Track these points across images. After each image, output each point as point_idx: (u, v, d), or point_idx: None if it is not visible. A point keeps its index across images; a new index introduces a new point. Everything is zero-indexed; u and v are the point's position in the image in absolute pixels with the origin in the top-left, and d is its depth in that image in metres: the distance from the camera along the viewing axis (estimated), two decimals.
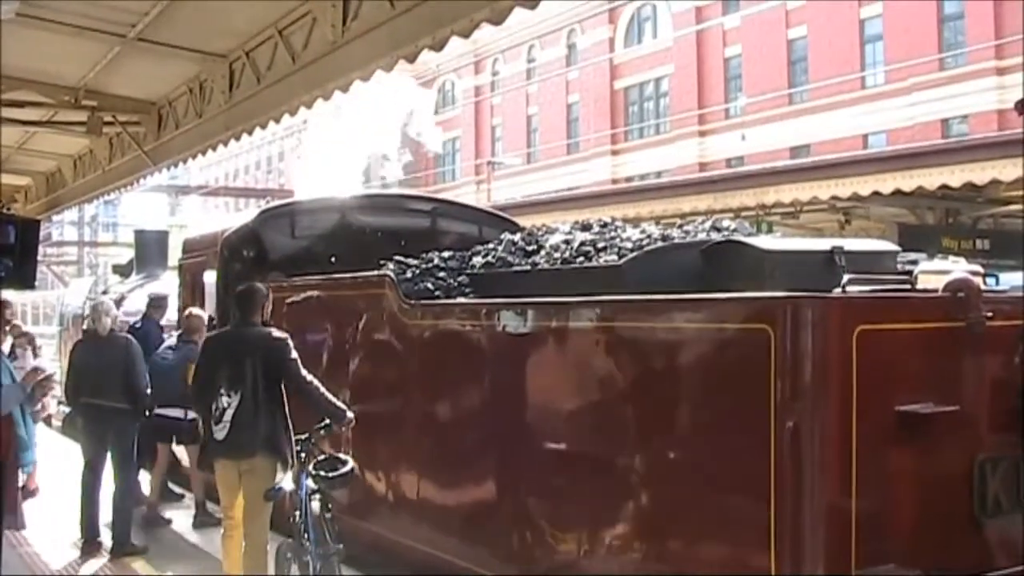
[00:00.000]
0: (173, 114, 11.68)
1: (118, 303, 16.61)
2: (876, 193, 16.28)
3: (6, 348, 11.02)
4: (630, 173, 49.82)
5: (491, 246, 8.64)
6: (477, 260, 8.47)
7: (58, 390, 11.20)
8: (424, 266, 8.70)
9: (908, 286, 6.04)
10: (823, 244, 6.55)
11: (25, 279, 10.61)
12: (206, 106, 10.60)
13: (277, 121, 9.38)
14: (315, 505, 7.41)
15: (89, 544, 9.71)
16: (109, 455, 9.82)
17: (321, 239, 11.33)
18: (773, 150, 40.30)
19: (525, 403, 7.18)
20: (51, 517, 10.54)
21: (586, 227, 8.17)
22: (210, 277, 11.72)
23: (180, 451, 11.50)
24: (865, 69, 40.41)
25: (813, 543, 5.23)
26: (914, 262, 6.82)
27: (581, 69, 51.99)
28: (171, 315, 12.99)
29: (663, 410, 6.08)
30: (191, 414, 10.30)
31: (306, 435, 7.61)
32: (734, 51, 46.01)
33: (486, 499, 7.53)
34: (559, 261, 7.49)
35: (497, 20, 6.18)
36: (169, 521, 10.85)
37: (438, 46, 6.74)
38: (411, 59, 7.13)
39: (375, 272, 8.87)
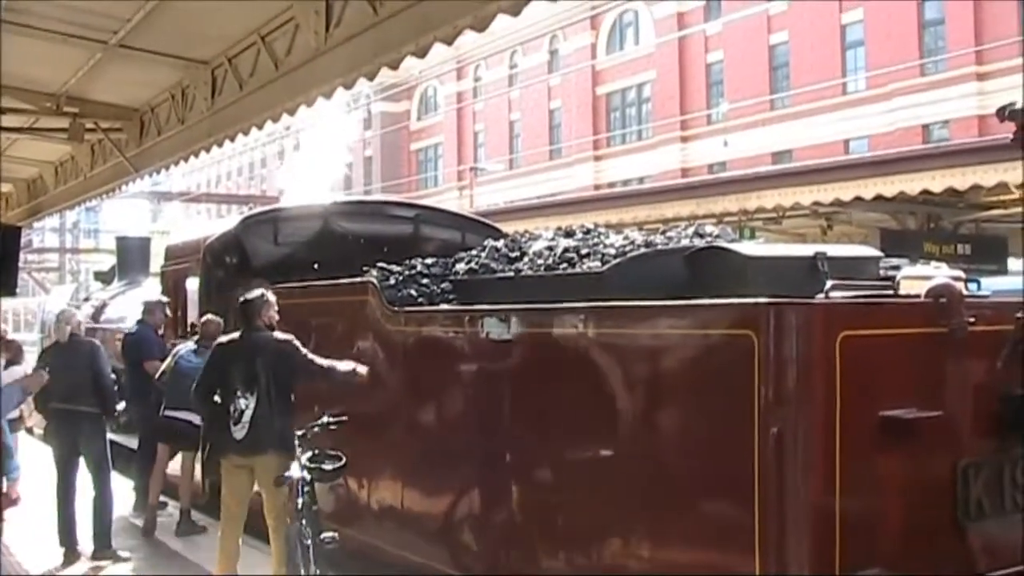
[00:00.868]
0: (155, 121, 11.64)
1: (100, 309, 16.60)
2: (858, 198, 16.35)
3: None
4: (612, 179, 49.86)
5: (474, 252, 8.63)
6: (460, 266, 8.46)
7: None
8: (407, 272, 8.69)
9: (891, 291, 6.07)
10: (806, 250, 6.57)
11: (6, 286, 10.56)
12: (188, 113, 10.57)
13: (260, 127, 9.36)
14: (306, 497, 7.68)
15: (69, 551, 9.65)
16: (83, 460, 9.77)
17: (304, 246, 11.31)
18: (755, 155, 40.38)
19: (509, 410, 7.17)
20: (33, 525, 10.48)
21: (569, 233, 8.17)
22: (193, 284, 11.70)
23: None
24: (846, 75, 40.54)
25: (798, 548, 5.24)
26: (896, 267, 6.83)
27: (563, 75, 52.02)
28: None
29: (647, 416, 6.09)
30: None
31: (303, 431, 7.86)
32: (716, 57, 46.11)
33: (470, 506, 7.52)
34: (542, 268, 7.48)
35: (480, 27, 6.18)
36: (204, 528, 10.73)
37: (421, 53, 6.74)
38: (394, 66, 7.14)
39: (358, 279, 8.86)
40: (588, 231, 8.15)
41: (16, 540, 10.12)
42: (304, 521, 7.58)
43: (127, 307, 16.69)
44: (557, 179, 52.06)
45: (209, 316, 10.89)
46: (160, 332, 12.21)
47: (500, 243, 8.56)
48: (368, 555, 8.42)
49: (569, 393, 6.64)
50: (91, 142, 13.21)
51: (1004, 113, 6.20)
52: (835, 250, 6.69)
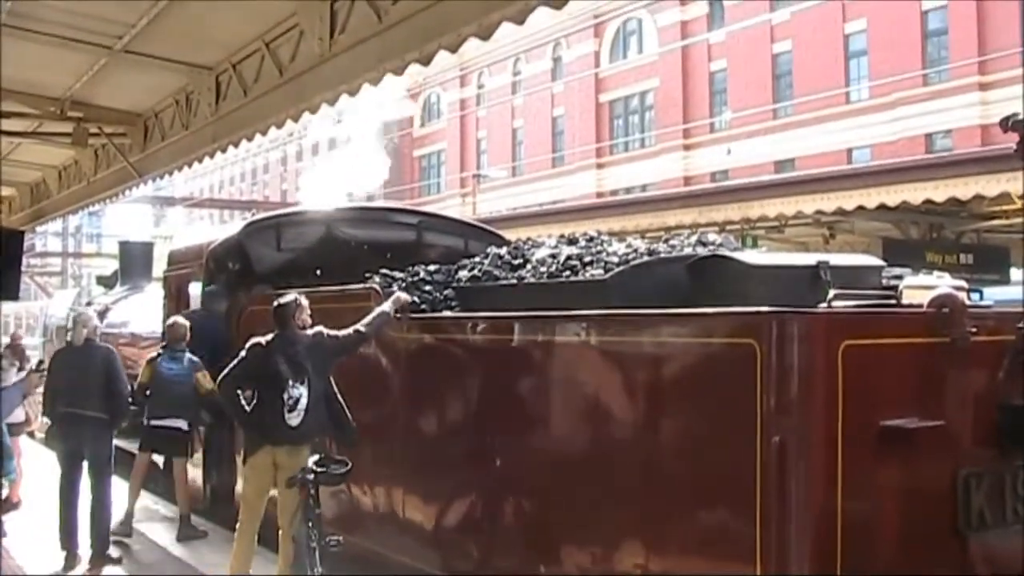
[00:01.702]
0: (159, 126, 11.66)
1: (102, 315, 16.59)
2: (861, 208, 16.33)
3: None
4: (615, 186, 49.85)
5: (477, 259, 8.63)
6: (463, 273, 8.46)
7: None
8: (410, 279, 8.69)
9: (893, 301, 6.07)
10: (808, 259, 6.55)
11: (9, 290, 10.59)
12: (192, 118, 10.59)
13: (264, 133, 9.38)
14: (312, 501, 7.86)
15: (70, 555, 9.65)
16: (86, 464, 9.77)
17: (307, 251, 11.31)
18: (758, 164, 40.37)
19: (511, 417, 7.17)
20: (32, 528, 10.49)
21: (572, 241, 8.18)
22: (195, 289, 11.70)
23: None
24: (849, 84, 40.56)
25: (799, 556, 5.23)
26: (899, 277, 6.83)
27: (566, 83, 52.06)
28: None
29: (649, 424, 6.09)
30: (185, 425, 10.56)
31: (301, 475, 7.93)
32: (719, 65, 46.11)
33: (473, 512, 7.52)
34: (545, 275, 7.48)
35: (485, 35, 6.19)
36: (205, 533, 10.74)
37: (425, 60, 6.76)
38: (398, 73, 7.15)
39: (361, 285, 8.86)
40: (591, 239, 8.15)
41: (16, 543, 10.12)
42: (311, 523, 7.70)
43: (130, 312, 16.71)
44: (560, 186, 52.05)
45: (176, 319, 10.92)
46: None
47: (503, 250, 8.56)
48: (372, 561, 8.42)
49: (571, 401, 6.65)
50: (95, 147, 13.23)
51: (1007, 123, 6.19)
52: (837, 259, 6.67)
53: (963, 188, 15.05)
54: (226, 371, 8.21)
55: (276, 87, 8.79)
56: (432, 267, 8.92)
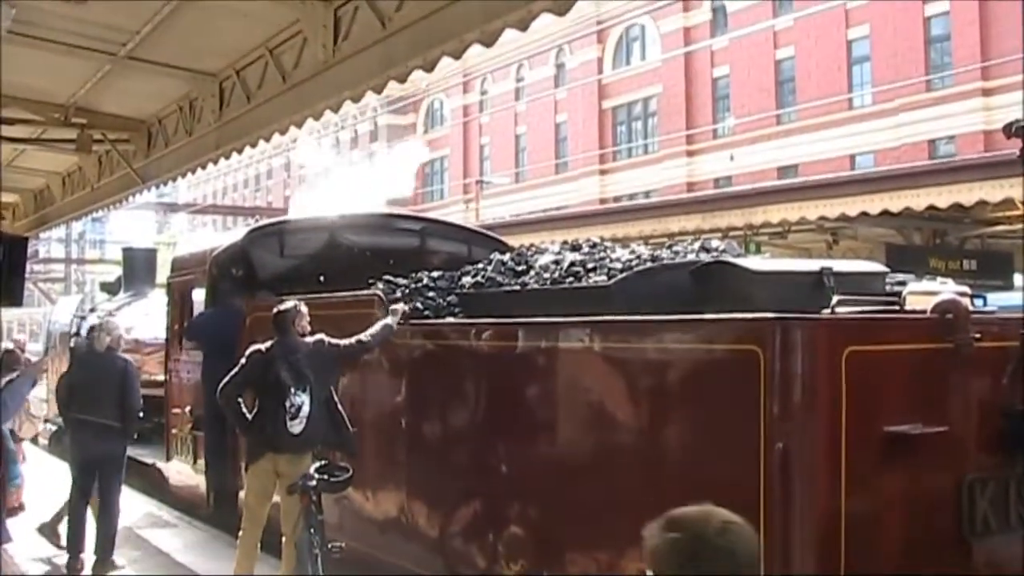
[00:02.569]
0: (163, 132, 11.67)
1: None
2: (864, 213, 16.33)
3: None
4: (618, 193, 49.84)
5: (480, 266, 8.64)
6: (467, 280, 8.47)
7: (41, 408, 11.15)
8: (413, 285, 8.70)
9: (897, 307, 6.07)
10: (812, 265, 6.56)
11: (12, 296, 10.57)
12: (196, 124, 10.59)
13: (267, 140, 9.38)
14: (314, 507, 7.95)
15: (73, 560, 9.66)
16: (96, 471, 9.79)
17: (310, 258, 11.33)
18: (761, 170, 40.39)
19: (515, 423, 7.18)
20: (35, 533, 10.50)
21: (575, 247, 8.18)
22: (199, 295, 11.71)
23: (167, 468, 11.44)
24: (852, 90, 40.56)
25: (803, 562, 5.23)
26: (902, 283, 6.83)
27: (569, 89, 52.06)
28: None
29: (653, 430, 6.09)
30: None
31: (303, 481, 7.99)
32: (722, 71, 46.12)
33: (476, 519, 7.52)
34: (549, 281, 7.49)
35: (488, 42, 6.19)
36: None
37: (429, 66, 6.76)
38: (402, 79, 7.15)
39: (364, 291, 8.87)
40: (594, 245, 8.16)
41: (19, 548, 10.12)
42: (312, 530, 7.75)
43: (133, 318, 16.72)
44: (563, 192, 52.06)
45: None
46: None
47: (506, 257, 8.57)
48: (375, 568, 8.42)
49: (575, 407, 6.65)
50: (98, 153, 13.24)
51: (1010, 129, 6.23)
52: (841, 265, 6.68)
53: (966, 194, 15.04)
54: (227, 378, 8.23)
55: (279, 94, 8.79)
56: (435, 273, 8.92)
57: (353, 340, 8.12)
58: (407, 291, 8.61)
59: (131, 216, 52.93)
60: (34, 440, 14.52)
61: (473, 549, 7.46)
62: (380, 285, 8.82)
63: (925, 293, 6.27)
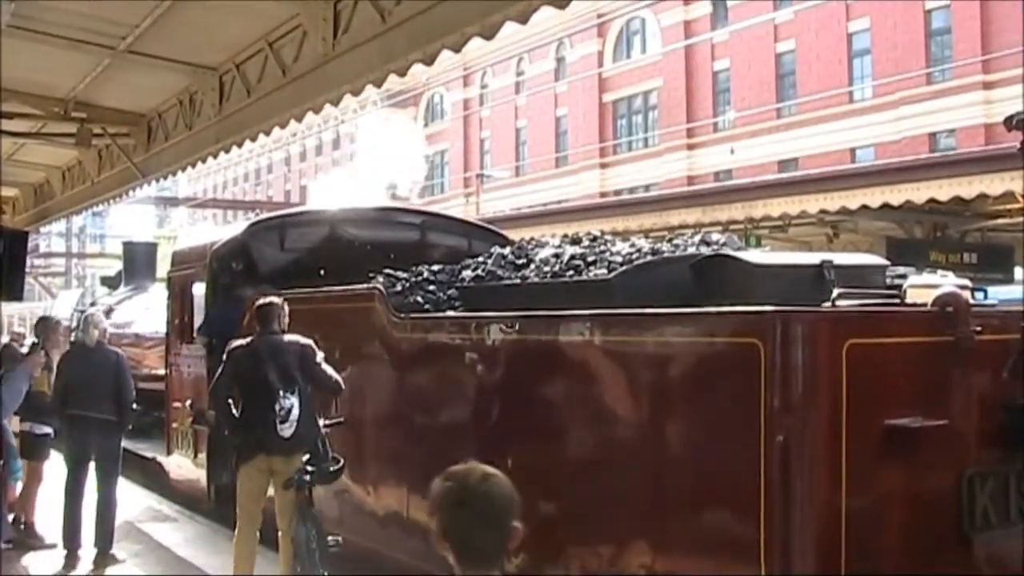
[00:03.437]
0: (163, 126, 11.66)
1: (106, 315, 16.59)
2: (864, 207, 16.30)
3: None
4: (619, 186, 49.85)
5: (481, 259, 8.63)
6: (467, 273, 8.46)
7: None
8: (414, 279, 8.69)
9: (897, 300, 6.06)
10: (812, 258, 6.56)
11: (13, 290, 10.58)
12: (196, 118, 10.59)
13: (267, 134, 9.38)
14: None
15: (71, 554, 9.66)
16: (93, 465, 9.78)
17: (310, 252, 11.32)
18: (761, 163, 40.38)
19: (514, 417, 7.17)
20: (37, 527, 10.51)
21: (576, 241, 8.18)
22: (199, 289, 11.71)
23: (168, 462, 11.42)
24: (853, 83, 40.54)
25: (803, 555, 5.23)
26: (903, 276, 6.83)
27: (570, 82, 52.05)
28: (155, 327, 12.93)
29: (653, 423, 6.08)
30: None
31: None
32: (722, 65, 46.10)
33: None
34: (549, 275, 7.48)
35: (488, 35, 6.19)
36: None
37: (429, 60, 6.75)
38: (402, 73, 7.15)
39: (365, 285, 8.86)
40: (594, 238, 8.15)
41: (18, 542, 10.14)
42: (308, 524, 7.78)
43: (133, 312, 16.73)
44: (563, 186, 52.07)
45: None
46: None
47: (506, 250, 8.56)
48: (372, 561, 8.42)
49: (575, 400, 6.64)
50: (98, 147, 13.24)
51: (1011, 122, 6.19)
52: (841, 258, 6.68)
53: (967, 187, 15.02)
54: (215, 380, 8.25)
55: (279, 87, 8.79)
56: (436, 267, 8.93)
57: (330, 372, 8.15)
58: (407, 285, 8.61)
59: (131, 210, 52.94)
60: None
61: None
62: (380, 279, 8.82)
63: (926, 286, 6.27)
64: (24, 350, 10.96)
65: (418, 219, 12.22)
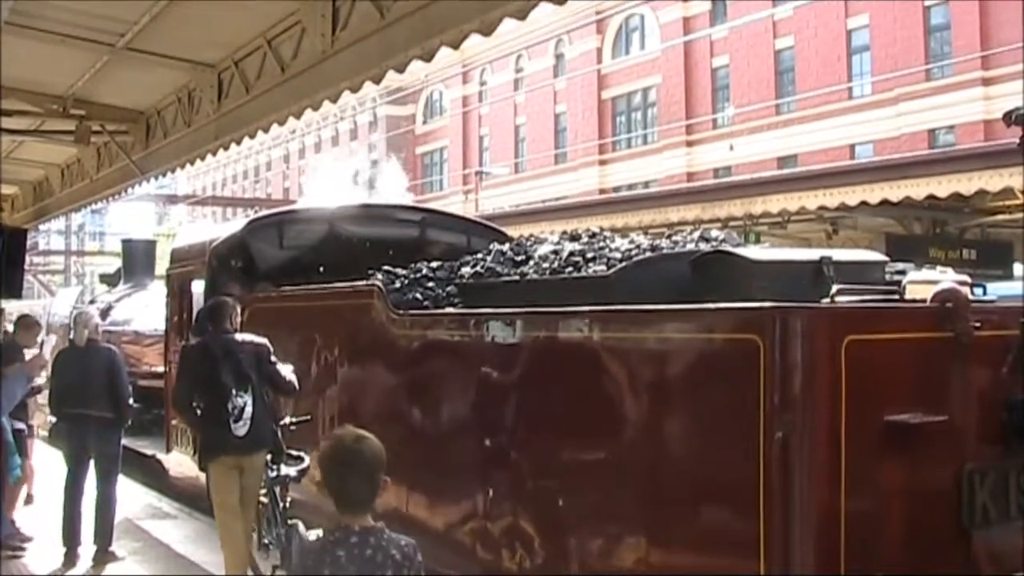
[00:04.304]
0: (161, 124, 11.66)
1: (105, 313, 16.60)
2: (864, 203, 16.33)
3: None
4: (618, 183, 49.89)
5: (480, 256, 8.62)
6: (466, 270, 8.45)
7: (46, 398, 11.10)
8: (413, 276, 8.68)
9: (896, 297, 6.06)
10: (811, 254, 6.55)
11: (12, 288, 10.58)
12: (195, 116, 10.59)
13: (266, 131, 9.38)
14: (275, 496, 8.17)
15: (71, 552, 9.66)
16: (92, 463, 9.78)
17: (309, 249, 11.31)
18: (761, 160, 40.42)
19: (513, 414, 7.16)
20: (36, 526, 10.50)
21: (575, 237, 8.16)
22: (198, 287, 11.69)
23: (167, 460, 11.42)
24: (852, 80, 40.58)
25: (802, 553, 5.22)
26: (902, 272, 6.81)
27: (569, 79, 52.06)
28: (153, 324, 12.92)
29: (652, 420, 6.08)
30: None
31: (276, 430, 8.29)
32: (721, 61, 46.14)
33: (475, 512, 7.51)
34: (548, 272, 7.47)
35: (487, 31, 6.19)
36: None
37: (427, 56, 6.75)
38: (400, 69, 7.15)
39: (363, 282, 8.86)
40: (593, 235, 8.14)
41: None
42: (283, 526, 7.94)
43: (132, 310, 16.72)
44: (562, 183, 52.07)
45: None
46: None
47: (505, 247, 8.54)
48: None
49: (574, 397, 6.63)
50: (97, 145, 13.24)
51: (1010, 118, 6.18)
52: (841, 255, 6.67)
53: (966, 183, 15.04)
54: (176, 384, 8.37)
55: (278, 84, 8.79)
56: (435, 264, 8.91)
57: (283, 370, 8.21)
58: (406, 281, 8.60)
59: (130, 208, 52.89)
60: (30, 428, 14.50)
61: (473, 538, 7.45)
62: (379, 276, 8.81)
63: (925, 282, 6.25)
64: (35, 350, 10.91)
65: (417, 216, 12.20)
